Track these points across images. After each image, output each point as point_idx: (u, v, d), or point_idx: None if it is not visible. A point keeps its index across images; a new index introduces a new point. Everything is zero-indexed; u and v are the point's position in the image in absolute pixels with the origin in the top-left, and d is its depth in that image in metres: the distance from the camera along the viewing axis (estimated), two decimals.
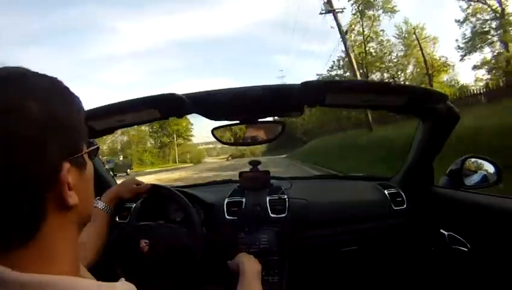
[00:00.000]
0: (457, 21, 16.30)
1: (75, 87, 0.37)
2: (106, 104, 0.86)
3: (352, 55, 14.43)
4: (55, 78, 0.35)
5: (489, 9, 15.05)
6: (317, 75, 22.63)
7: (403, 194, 1.11)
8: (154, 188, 0.92)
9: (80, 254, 0.64)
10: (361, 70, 17.82)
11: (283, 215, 1.03)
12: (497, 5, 14.55)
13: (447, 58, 17.98)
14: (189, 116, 0.98)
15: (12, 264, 0.29)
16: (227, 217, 1.05)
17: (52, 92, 0.33)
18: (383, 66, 20.01)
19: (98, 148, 0.43)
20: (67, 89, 0.36)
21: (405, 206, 1.08)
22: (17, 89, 0.30)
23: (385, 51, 20.00)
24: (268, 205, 1.05)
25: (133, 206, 1.06)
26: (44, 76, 0.34)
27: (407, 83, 18.07)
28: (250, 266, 0.79)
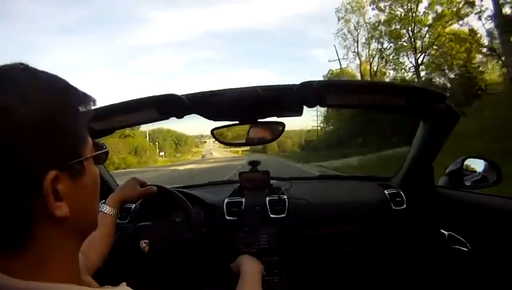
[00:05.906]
0: None
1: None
2: (106, 104, 0.86)
3: None
4: (55, 76, 0.33)
5: None
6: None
7: (402, 194, 1.11)
8: (158, 189, 0.92)
9: (85, 260, 0.64)
10: None
11: (283, 215, 1.03)
12: None
13: None
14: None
15: (6, 272, 0.28)
16: (227, 217, 1.05)
17: (44, 93, 0.30)
18: None
19: (106, 152, 0.39)
20: (67, 89, 0.33)
21: (405, 206, 1.08)
22: (3, 88, 0.28)
23: None
24: (268, 205, 1.05)
25: (133, 207, 1.05)
26: (41, 74, 0.32)
27: None
28: (250, 267, 0.78)
